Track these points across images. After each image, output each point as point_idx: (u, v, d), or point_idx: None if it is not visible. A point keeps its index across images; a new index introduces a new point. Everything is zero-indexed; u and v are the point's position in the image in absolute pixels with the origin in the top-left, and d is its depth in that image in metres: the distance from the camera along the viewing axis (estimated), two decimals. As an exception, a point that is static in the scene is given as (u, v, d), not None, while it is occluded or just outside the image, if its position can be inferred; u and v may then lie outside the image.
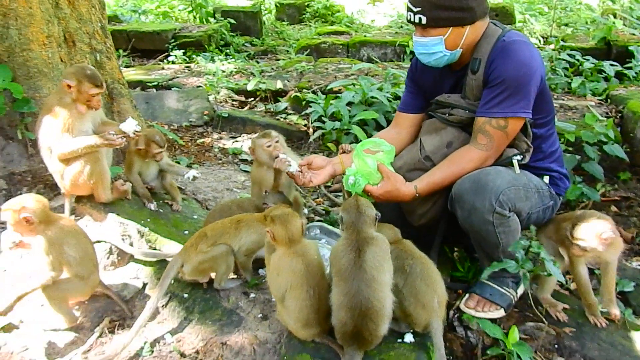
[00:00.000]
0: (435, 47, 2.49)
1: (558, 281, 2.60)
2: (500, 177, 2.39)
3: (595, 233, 2.42)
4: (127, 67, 7.74)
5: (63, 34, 3.34)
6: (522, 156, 2.53)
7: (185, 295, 2.59)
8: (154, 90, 6.23)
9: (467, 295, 2.68)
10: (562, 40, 6.84)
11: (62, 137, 2.70)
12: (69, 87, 2.70)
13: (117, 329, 2.48)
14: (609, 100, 4.78)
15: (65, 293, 2.44)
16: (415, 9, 2.46)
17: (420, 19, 2.45)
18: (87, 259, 2.49)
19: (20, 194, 3.18)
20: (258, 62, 7.76)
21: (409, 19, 2.53)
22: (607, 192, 3.94)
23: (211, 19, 9.81)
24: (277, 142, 2.92)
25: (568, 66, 5.63)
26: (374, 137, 2.73)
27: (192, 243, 2.52)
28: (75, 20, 3.40)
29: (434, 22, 2.44)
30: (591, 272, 3.11)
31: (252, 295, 2.60)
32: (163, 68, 7.39)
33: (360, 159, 2.51)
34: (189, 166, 4.54)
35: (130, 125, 2.79)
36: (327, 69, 6.63)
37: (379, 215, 2.22)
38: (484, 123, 2.47)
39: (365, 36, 8.51)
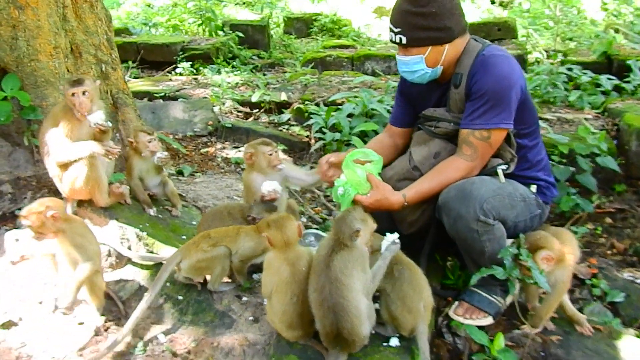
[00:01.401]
0: (417, 66, 2.59)
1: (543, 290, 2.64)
2: (484, 186, 2.46)
3: (537, 252, 2.47)
4: (136, 78, 7.90)
5: (70, 45, 3.46)
6: (506, 165, 2.61)
7: (180, 297, 2.66)
8: (161, 100, 6.37)
9: (456, 302, 2.73)
10: (565, 54, 6.91)
11: (61, 142, 2.82)
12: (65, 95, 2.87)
13: (113, 329, 2.55)
14: (606, 114, 4.82)
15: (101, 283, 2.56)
16: (396, 30, 2.58)
17: (400, 39, 2.57)
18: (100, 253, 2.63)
19: (25, 198, 3.31)
20: (265, 75, 7.90)
21: (391, 39, 2.64)
22: (602, 203, 3.97)
23: (220, 32, 9.99)
24: (277, 150, 3.03)
25: (567, 80, 5.68)
26: (362, 148, 2.81)
27: (194, 241, 2.60)
28: (82, 32, 3.53)
29: (413, 42, 2.55)
30: (581, 282, 3.16)
31: (244, 298, 2.67)
32: (170, 79, 7.54)
33: (350, 169, 2.57)
34: (192, 174, 4.64)
35: (95, 117, 2.88)
36: (331, 81, 6.74)
37: (359, 229, 2.24)
38: (467, 135, 2.55)
39: (370, 50, 8.62)
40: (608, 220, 3.88)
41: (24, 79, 3.27)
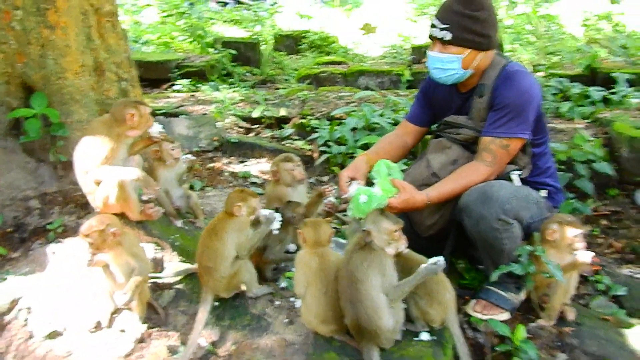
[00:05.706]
0: (451, 64, 2.77)
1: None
2: (503, 189, 2.66)
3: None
4: (133, 96, 7.97)
5: (94, 63, 3.58)
6: (520, 172, 2.82)
7: (216, 304, 2.77)
8: (163, 117, 6.46)
9: (474, 300, 2.90)
10: (550, 68, 7.23)
11: (104, 163, 2.91)
12: (132, 115, 2.97)
13: (155, 335, 2.65)
14: (596, 123, 5.10)
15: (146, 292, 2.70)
16: (441, 26, 2.72)
17: (445, 35, 2.71)
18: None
19: (53, 213, 3.39)
20: (258, 92, 8.05)
21: (432, 34, 2.79)
22: (598, 207, 4.21)
23: (211, 50, 10.13)
24: (299, 165, 3.22)
25: (557, 92, 5.98)
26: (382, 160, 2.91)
27: (208, 279, 2.69)
28: (105, 50, 3.64)
29: (457, 40, 2.71)
30: (585, 279, 3.37)
31: (277, 302, 2.80)
32: (168, 97, 7.65)
33: (382, 176, 2.73)
34: (202, 189, 4.76)
35: (156, 129, 3.17)
36: (327, 96, 6.91)
37: (369, 230, 2.42)
38: (489, 142, 2.75)
39: (362, 65, 8.86)
40: (604, 222, 4.12)
41: (50, 97, 3.36)
